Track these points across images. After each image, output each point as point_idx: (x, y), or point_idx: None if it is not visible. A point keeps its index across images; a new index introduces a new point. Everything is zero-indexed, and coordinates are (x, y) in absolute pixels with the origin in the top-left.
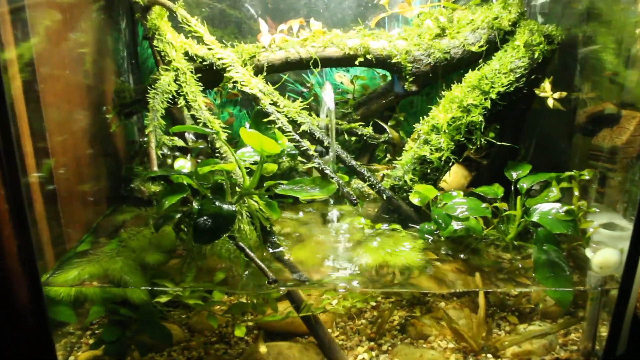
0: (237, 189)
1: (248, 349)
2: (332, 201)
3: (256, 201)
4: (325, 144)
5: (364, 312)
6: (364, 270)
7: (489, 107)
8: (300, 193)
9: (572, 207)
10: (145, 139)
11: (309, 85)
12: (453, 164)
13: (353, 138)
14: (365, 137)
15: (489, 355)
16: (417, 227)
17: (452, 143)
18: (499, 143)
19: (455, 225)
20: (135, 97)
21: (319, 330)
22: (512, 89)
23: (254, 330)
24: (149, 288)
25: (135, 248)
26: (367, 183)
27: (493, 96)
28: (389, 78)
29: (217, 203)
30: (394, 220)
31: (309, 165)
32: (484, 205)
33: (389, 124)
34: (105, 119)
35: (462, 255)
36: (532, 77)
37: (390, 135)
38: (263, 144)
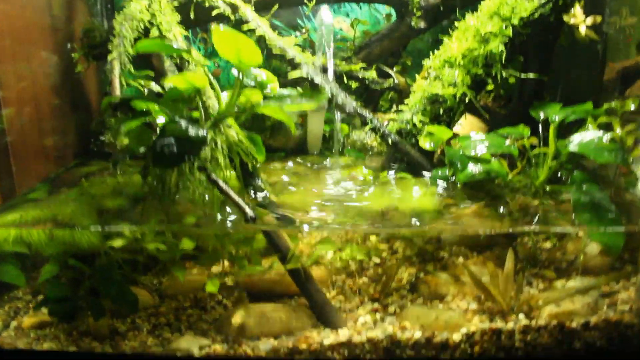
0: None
1: (225, 314)
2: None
3: (236, 133)
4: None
5: (366, 270)
6: (366, 216)
7: (511, 35)
8: (285, 105)
9: (618, 134)
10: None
11: (304, 30)
12: (470, 104)
13: (354, 84)
14: (367, 82)
15: (521, 316)
16: (429, 174)
17: (468, 77)
18: (522, 75)
19: (474, 168)
20: (107, 37)
21: (310, 288)
22: (536, 15)
23: (234, 292)
24: (99, 228)
25: (96, 195)
26: (370, 126)
27: (515, 22)
28: (394, 19)
29: (183, 124)
30: (402, 169)
31: (297, 73)
32: (507, 142)
33: (395, 69)
34: (74, 68)
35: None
36: (560, 2)
37: (396, 81)
38: (241, 51)
